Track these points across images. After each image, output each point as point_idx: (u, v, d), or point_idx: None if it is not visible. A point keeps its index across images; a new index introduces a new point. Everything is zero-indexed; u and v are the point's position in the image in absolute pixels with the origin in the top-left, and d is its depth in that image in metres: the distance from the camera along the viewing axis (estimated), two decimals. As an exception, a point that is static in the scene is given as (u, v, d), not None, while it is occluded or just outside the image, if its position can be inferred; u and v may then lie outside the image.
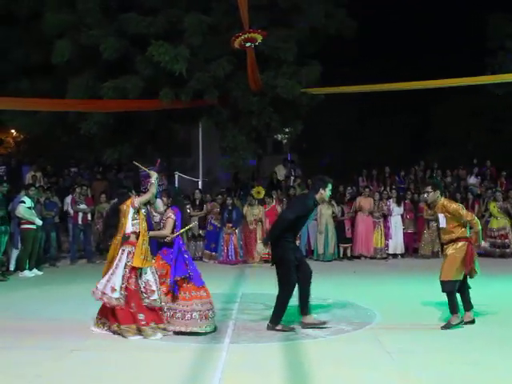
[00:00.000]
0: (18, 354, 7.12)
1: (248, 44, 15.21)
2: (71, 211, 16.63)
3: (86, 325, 8.54)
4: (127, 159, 19.38)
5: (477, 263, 8.45)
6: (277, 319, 8.35)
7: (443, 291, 8.40)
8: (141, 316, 7.93)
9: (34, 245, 14.40)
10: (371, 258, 17.17)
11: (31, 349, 7.33)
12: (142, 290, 8.03)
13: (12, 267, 14.53)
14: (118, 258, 8.11)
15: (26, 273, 14.08)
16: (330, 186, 8.53)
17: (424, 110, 26.25)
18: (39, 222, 14.44)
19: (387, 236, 17.41)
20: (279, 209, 16.97)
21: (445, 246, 8.67)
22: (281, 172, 21.53)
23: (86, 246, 16.80)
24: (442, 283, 8.36)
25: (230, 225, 16.64)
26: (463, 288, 8.55)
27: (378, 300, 10.27)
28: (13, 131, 27.78)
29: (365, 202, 17.43)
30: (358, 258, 17.20)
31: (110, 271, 8.11)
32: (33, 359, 6.90)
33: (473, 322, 8.53)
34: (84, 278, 13.53)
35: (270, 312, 8.60)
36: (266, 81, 17.19)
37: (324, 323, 8.46)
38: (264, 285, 12.45)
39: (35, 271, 14.28)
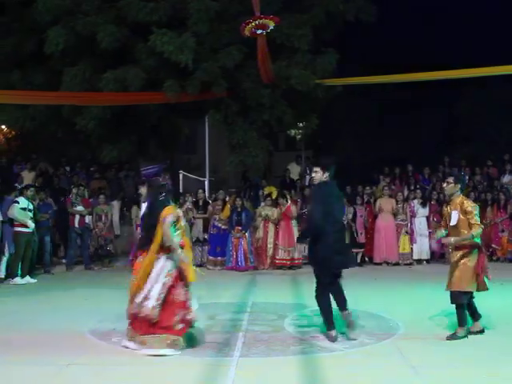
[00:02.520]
0: (8, 369, 7.08)
1: (259, 31, 15.14)
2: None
3: (83, 337, 8.55)
4: (127, 157, 19.34)
5: (485, 277, 8.38)
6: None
7: (452, 303, 8.37)
8: None
9: (27, 249, 14.42)
10: (394, 264, 17.12)
11: (23, 363, 7.29)
12: None
13: (2, 274, 14.56)
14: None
15: (18, 280, 14.10)
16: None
17: (450, 103, 26.18)
18: (31, 225, 14.45)
19: (411, 240, 17.34)
20: (294, 210, 16.91)
21: (454, 252, 8.56)
22: (294, 170, 21.45)
23: (84, 251, 16.81)
24: (452, 294, 8.33)
25: (240, 228, 16.58)
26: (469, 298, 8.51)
27: (401, 310, 10.22)
28: (3, 127, 27.82)
29: (386, 203, 17.35)
30: (379, 264, 17.16)
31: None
32: (24, 375, 6.88)
33: (482, 331, 8.53)
34: (81, 286, 13.59)
35: (282, 322, 8.55)
36: (278, 71, 17.12)
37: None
38: (276, 293, 12.46)
39: (28, 278, 14.29)
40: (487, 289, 8.41)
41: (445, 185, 8.80)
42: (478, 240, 8.37)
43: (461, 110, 26.54)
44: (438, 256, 17.54)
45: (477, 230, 8.23)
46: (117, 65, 16.79)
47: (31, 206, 14.56)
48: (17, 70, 18.46)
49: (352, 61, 20.07)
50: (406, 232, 17.36)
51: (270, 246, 16.72)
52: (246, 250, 16.52)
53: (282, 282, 14.40)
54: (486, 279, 8.36)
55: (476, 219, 8.29)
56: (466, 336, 8.26)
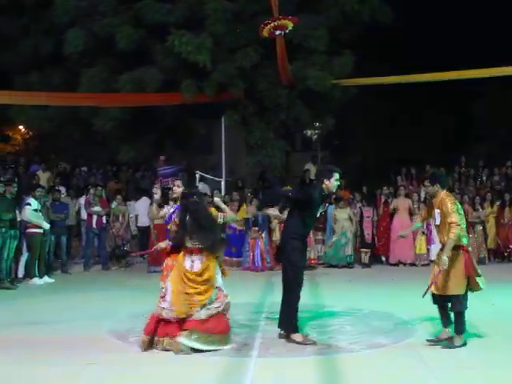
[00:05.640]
0: (27, 368, 7.12)
1: (278, 32, 15.14)
2: (85, 214, 16.73)
3: (102, 336, 8.58)
4: (144, 157, 19.40)
5: (478, 277, 8.10)
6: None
7: (452, 311, 8.15)
8: None
9: (42, 250, 14.46)
10: (411, 264, 17.06)
11: (42, 363, 7.32)
12: None
13: (21, 274, 14.65)
14: None
15: (36, 280, 14.17)
16: (336, 176, 8.36)
17: (466, 102, 26.03)
18: (46, 226, 14.48)
19: (429, 241, 17.21)
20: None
21: (440, 252, 8.38)
22: (310, 170, 21.46)
23: (101, 252, 16.87)
24: (452, 298, 8.10)
25: (256, 228, 16.56)
26: (446, 302, 8.34)
27: (419, 311, 10.14)
28: (21, 127, 27.95)
29: (402, 203, 17.25)
30: (396, 264, 17.11)
31: None
32: (44, 374, 6.90)
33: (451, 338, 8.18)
34: (98, 286, 13.65)
35: (299, 323, 8.53)
36: (295, 72, 17.14)
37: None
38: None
39: (46, 278, 14.37)
40: (481, 288, 8.13)
41: (423, 189, 8.65)
42: (465, 240, 8.15)
43: (478, 109, 26.42)
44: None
45: (454, 232, 7.89)
46: (134, 66, 16.85)
47: (40, 207, 14.57)
48: (35, 70, 18.57)
49: (370, 61, 19.98)
50: (423, 232, 17.27)
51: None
52: (262, 251, 16.50)
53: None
54: (477, 279, 8.08)
55: (454, 219, 7.93)
56: (465, 343, 8.01)
